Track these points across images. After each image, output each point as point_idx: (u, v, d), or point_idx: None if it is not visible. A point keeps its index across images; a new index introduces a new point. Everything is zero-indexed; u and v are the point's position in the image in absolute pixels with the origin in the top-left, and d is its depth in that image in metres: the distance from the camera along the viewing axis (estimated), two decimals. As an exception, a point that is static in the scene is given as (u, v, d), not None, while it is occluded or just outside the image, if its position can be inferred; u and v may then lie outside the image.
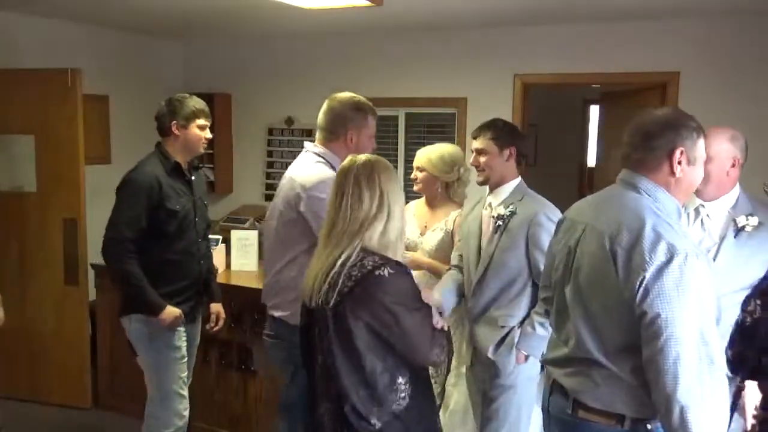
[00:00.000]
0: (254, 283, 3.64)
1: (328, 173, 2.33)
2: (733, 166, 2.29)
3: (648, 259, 1.56)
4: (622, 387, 1.67)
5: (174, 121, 2.89)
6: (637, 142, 1.72)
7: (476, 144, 2.65)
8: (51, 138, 4.09)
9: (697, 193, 2.31)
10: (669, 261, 1.55)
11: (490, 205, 2.64)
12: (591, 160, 7.25)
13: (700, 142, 1.72)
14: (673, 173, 1.69)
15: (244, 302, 3.59)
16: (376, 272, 1.69)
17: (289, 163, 4.78)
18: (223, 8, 4.10)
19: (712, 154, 2.25)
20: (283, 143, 5.44)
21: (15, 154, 4.17)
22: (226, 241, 3.96)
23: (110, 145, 5.09)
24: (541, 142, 7.02)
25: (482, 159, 2.62)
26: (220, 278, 3.78)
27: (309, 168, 2.43)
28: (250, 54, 5.45)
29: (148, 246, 2.81)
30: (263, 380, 3.60)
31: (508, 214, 2.55)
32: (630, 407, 1.67)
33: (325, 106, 2.50)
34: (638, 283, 1.57)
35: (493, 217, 2.58)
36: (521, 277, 2.53)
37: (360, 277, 1.69)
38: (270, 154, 5.49)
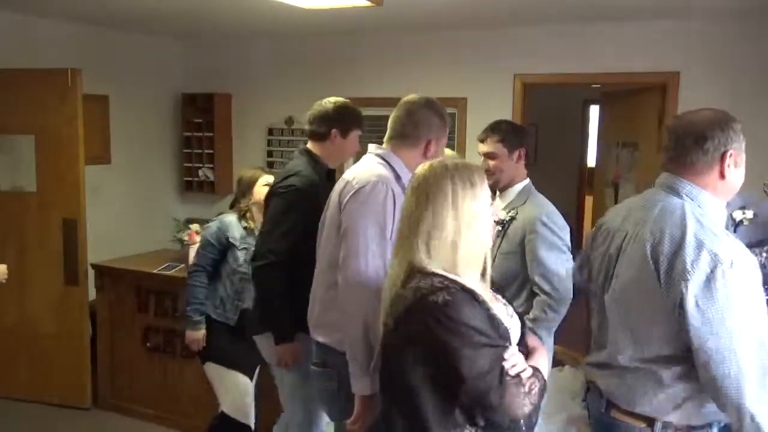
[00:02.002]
0: (254, 283, 3.64)
1: (384, 174, 2.07)
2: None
3: (690, 269, 1.54)
4: (658, 392, 1.67)
5: (336, 128, 2.62)
6: (689, 145, 1.66)
7: (484, 148, 2.59)
8: (51, 138, 4.09)
9: None
10: (713, 271, 1.53)
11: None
12: (591, 160, 7.26)
13: (744, 144, 1.72)
14: (723, 176, 1.67)
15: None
16: (430, 298, 1.42)
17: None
18: (223, 8, 4.10)
19: None
20: (283, 143, 5.44)
21: (15, 154, 4.18)
22: (226, 241, 3.95)
23: (110, 145, 5.09)
24: (541, 142, 7.02)
25: (492, 163, 2.56)
26: (220, 278, 3.78)
27: (364, 166, 2.15)
28: (250, 54, 5.45)
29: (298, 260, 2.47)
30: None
31: (508, 219, 2.54)
32: (665, 411, 1.68)
33: (399, 110, 2.17)
34: (682, 293, 1.55)
35: (495, 221, 2.58)
36: (517, 280, 2.54)
37: (412, 302, 1.45)
38: (270, 154, 5.49)
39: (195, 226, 4.03)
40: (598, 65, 4.34)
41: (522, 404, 1.44)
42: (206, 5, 4.03)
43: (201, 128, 5.49)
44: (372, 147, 2.21)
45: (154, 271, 3.87)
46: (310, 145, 2.68)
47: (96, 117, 4.75)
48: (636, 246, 1.69)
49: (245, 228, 3.12)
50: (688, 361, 1.60)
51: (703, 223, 1.61)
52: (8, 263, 4.23)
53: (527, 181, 2.63)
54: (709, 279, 1.53)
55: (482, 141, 2.60)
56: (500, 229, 2.54)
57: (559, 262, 2.47)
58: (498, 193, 2.63)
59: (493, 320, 1.46)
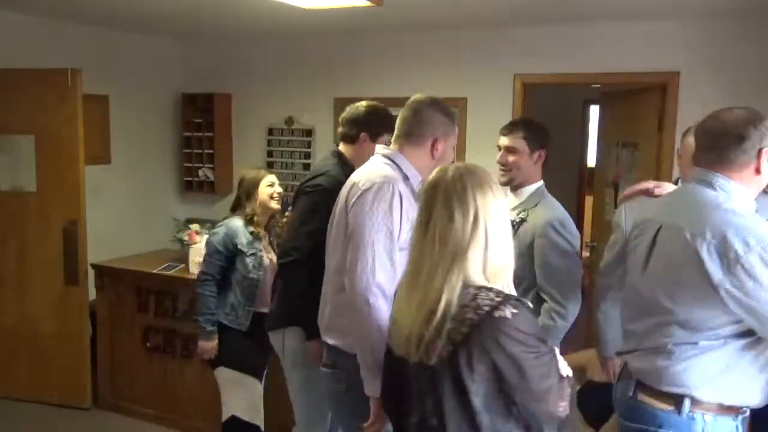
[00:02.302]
0: (254, 283, 3.64)
1: (391, 175, 2.06)
2: None
3: (742, 253, 1.64)
4: (690, 368, 1.76)
5: (365, 132, 2.60)
6: (730, 144, 1.77)
7: (506, 141, 2.52)
8: (51, 138, 4.09)
9: None
10: (764, 250, 1.64)
11: None
12: (591, 160, 7.25)
13: None
14: (759, 172, 1.78)
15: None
16: (496, 313, 1.37)
17: (289, 163, 4.79)
18: (223, 8, 4.10)
19: None
20: (283, 143, 5.43)
21: (15, 154, 4.18)
22: (226, 241, 3.95)
23: (110, 145, 5.09)
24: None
25: (511, 158, 2.50)
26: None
27: (371, 167, 2.14)
28: (250, 54, 5.45)
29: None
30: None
31: (518, 221, 2.48)
32: (695, 386, 1.76)
33: (406, 110, 2.16)
34: (739, 276, 1.65)
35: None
36: (523, 284, 2.48)
37: (478, 320, 1.37)
38: (270, 154, 5.49)
39: (195, 226, 4.04)
40: (598, 65, 4.34)
41: (564, 407, 1.48)
42: (206, 5, 4.03)
43: (201, 128, 5.49)
44: (379, 147, 2.21)
45: (154, 271, 3.87)
46: (341, 146, 2.68)
47: (96, 117, 4.75)
48: (671, 235, 1.79)
49: (252, 233, 3.08)
50: (722, 338, 1.72)
51: (737, 212, 1.72)
52: (8, 263, 4.25)
53: (541, 183, 2.57)
54: (762, 258, 1.64)
55: (505, 135, 2.54)
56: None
57: (568, 270, 2.42)
58: (510, 191, 2.57)
59: (538, 325, 1.49)
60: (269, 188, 3.13)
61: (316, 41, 5.14)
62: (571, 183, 7.46)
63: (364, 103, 2.65)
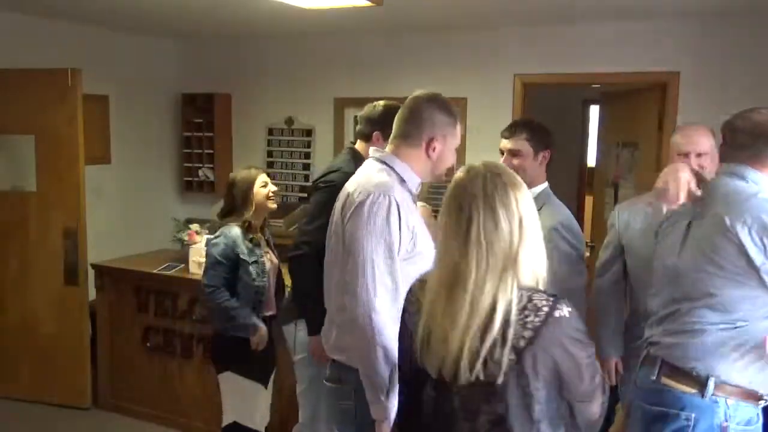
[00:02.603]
0: (254, 283, 3.64)
1: (385, 182, 1.94)
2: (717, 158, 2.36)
3: None
4: (719, 348, 1.83)
5: (378, 131, 2.57)
6: (762, 143, 1.89)
7: (508, 144, 2.47)
8: (51, 138, 4.09)
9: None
10: None
11: None
12: (591, 160, 7.25)
13: None
14: None
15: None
16: (556, 313, 1.31)
17: (289, 163, 4.74)
18: (223, 8, 4.10)
19: (707, 149, 2.35)
20: (283, 143, 5.43)
21: (15, 154, 4.18)
22: (226, 241, 3.95)
23: (110, 145, 5.09)
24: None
25: (515, 161, 2.44)
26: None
27: (364, 173, 2.03)
28: (250, 54, 5.45)
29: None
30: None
31: None
32: (721, 368, 1.82)
33: (403, 108, 2.05)
34: None
35: None
36: None
37: (540, 322, 1.30)
38: (270, 154, 5.49)
39: (195, 226, 4.04)
40: (598, 65, 4.34)
41: (604, 408, 1.46)
42: (206, 5, 4.03)
43: (201, 128, 5.49)
44: (371, 150, 2.09)
45: (154, 271, 3.87)
46: (357, 144, 2.71)
47: (96, 117, 4.75)
48: (708, 222, 1.88)
49: (251, 240, 3.00)
50: (751, 320, 1.80)
51: None
52: (8, 263, 4.25)
53: (545, 185, 2.53)
54: None
55: (507, 137, 2.49)
56: None
57: (572, 275, 2.38)
58: None
59: None
60: (263, 189, 3.02)
61: (316, 41, 5.14)
62: (571, 183, 7.46)
63: (382, 102, 2.64)
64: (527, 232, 1.37)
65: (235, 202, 3.01)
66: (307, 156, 5.32)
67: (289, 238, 4.55)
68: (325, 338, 2.14)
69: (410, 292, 1.55)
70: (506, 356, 1.30)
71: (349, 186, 2.01)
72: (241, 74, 5.50)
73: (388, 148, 2.06)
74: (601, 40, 4.32)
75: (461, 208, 1.37)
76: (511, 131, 2.50)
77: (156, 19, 4.58)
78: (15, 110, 4.11)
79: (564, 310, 1.32)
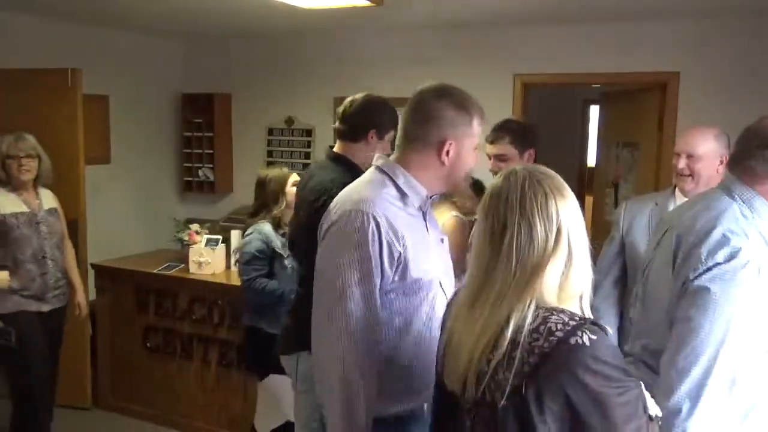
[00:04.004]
0: (254, 283, 3.64)
1: (367, 198, 1.61)
2: (721, 163, 2.35)
3: (703, 260, 1.52)
4: (653, 389, 1.61)
5: (373, 130, 2.34)
6: (752, 149, 1.64)
7: (494, 149, 2.49)
8: (51, 138, 4.08)
9: (686, 193, 2.36)
10: (726, 262, 1.49)
11: None
12: (591, 160, 7.25)
13: None
14: None
15: (244, 302, 3.59)
16: (572, 340, 1.14)
17: (289, 164, 4.66)
18: (222, 8, 4.10)
19: (701, 153, 2.32)
20: (283, 143, 5.43)
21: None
22: (226, 241, 3.95)
23: (110, 145, 5.09)
24: (541, 142, 7.01)
25: (502, 165, 2.46)
26: (220, 278, 3.79)
27: (355, 184, 1.72)
28: (250, 54, 5.45)
29: None
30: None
31: None
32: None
33: (409, 106, 1.70)
34: (686, 279, 1.53)
35: None
36: None
37: (549, 348, 1.14)
38: (270, 154, 5.49)
39: (195, 226, 4.04)
40: (598, 65, 4.34)
41: None
42: (206, 5, 4.03)
43: (201, 128, 5.49)
44: (375, 157, 1.77)
45: (154, 271, 3.87)
46: (338, 147, 2.52)
47: (96, 117, 4.75)
48: (668, 238, 1.70)
49: (282, 235, 3.04)
50: None
51: (739, 222, 1.56)
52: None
53: None
54: (715, 267, 1.50)
55: (492, 142, 2.50)
56: None
57: None
58: None
59: (621, 354, 1.22)
60: (294, 188, 3.01)
61: (316, 41, 5.14)
62: (571, 183, 7.39)
63: (360, 95, 2.48)
64: (566, 245, 1.22)
65: (267, 200, 3.11)
66: (307, 156, 5.33)
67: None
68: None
69: (448, 305, 1.44)
70: (505, 381, 1.17)
71: (334, 200, 1.71)
72: (241, 74, 5.50)
73: (394, 155, 1.73)
74: (601, 40, 4.32)
75: (496, 215, 1.25)
76: (493, 136, 2.51)
77: (156, 19, 4.58)
78: (15, 110, 4.11)
79: (584, 337, 1.13)
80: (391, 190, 1.65)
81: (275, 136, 5.46)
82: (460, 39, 4.70)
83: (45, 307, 3.28)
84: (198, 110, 5.47)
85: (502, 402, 1.18)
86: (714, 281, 1.50)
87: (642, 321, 1.81)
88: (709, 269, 1.51)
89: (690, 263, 1.55)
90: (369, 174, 1.73)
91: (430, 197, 1.72)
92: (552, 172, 1.30)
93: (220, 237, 3.95)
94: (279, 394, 3.04)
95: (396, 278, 1.60)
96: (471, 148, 1.68)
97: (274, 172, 3.14)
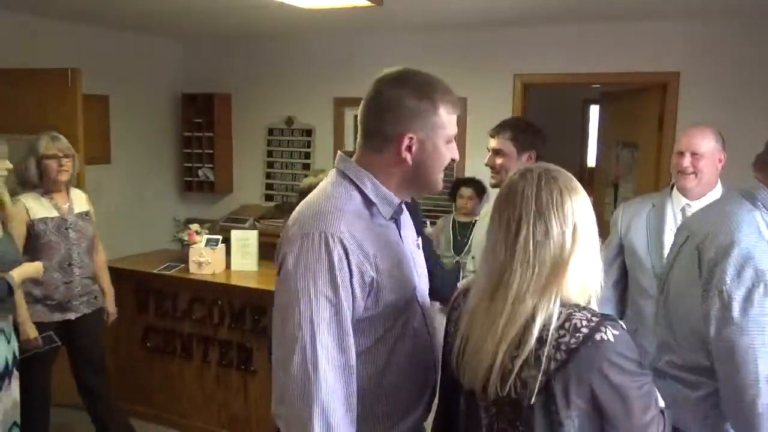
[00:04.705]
0: (254, 283, 3.64)
1: (324, 213, 1.35)
2: (720, 161, 2.37)
3: (728, 280, 1.49)
4: (688, 404, 1.61)
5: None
6: None
7: (493, 143, 2.46)
8: (51, 138, 4.09)
9: (685, 192, 2.37)
10: (754, 286, 1.47)
11: None
12: (591, 160, 7.25)
13: None
14: None
15: (244, 302, 3.59)
16: (597, 336, 1.16)
17: (289, 163, 4.62)
18: (222, 8, 4.10)
19: (704, 151, 2.33)
20: (283, 143, 5.44)
21: (15, 154, 4.17)
22: (226, 241, 3.95)
23: (110, 145, 5.09)
24: (546, 149, 7.01)
25: (498, 160, 2.44)
26: (220, 278, 3.78)
27: (314, 194, 1.46)
28: (250, 54, 5.46)
29: None
30: (263, 380, 3.59)
31: None
32: (688, 425, 1.61)
33: (367, 93, 1.44)
34: (713, 302, 1.50)
35: None
36: None
37: (575, 345, 1.16)
38: (270, 154, 5.49)
39: (195, 226, 4.03)
40: (598, 65, 4.34)
41: None
42: (206, 5, 4.03)
43: (201, 128, 5.50)
44: (337, 157, 1.49)
45: (154, 271, 3.87)
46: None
47: (96, 117, 4.75)
48: (689, 246, 1.65)
49: None
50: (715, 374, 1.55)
51: (763, 236, 1.52)
52: (8, 263, 4.24)
53: None
54: (748, 294, 1.48)
55: (493, 136, 2.48)
56: None
57: None
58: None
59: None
60: None
61: (316, 41, 5.14)
62: (571, 183, 7.48)
63: None
64: (581, 241, 1.23)
65: None
66: (307, 156, 5.33)
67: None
68: None
69: (454, 300, 1.43)
70: (532, 378, 1.18)
71: (290, 219, 1.44)
72: (241, 74, 5.50)
73: (355, 155, 1.46)
74: (601, 40, 4.32)
75: (512, 211, 1.25)
76: (496, 130, 2.48)
77: (156, 19, 4.58)
78: (15, 110, 4.11)
79: (608, 333, 1.16)
80: (357, 201, 1.40)
81: (275, 136, 5.47)
82: (461, 39, 4.70)
83: (71, 315, 3.19)
84: (198, 110, 5.48)
85: (530, 399, 1.19)
86: (741, 300, 1.48)
87: (667, 337, 1.74)
88: (734, 287, 1.49)
89: (713, 282, 1.52)
90: (330, 180, 1.46)
91: (402, 205, 1.49)
92: (566, 172, 1.30)
93: (220, 237, 3.95)
94: None
95: (370, 304, 1.36)
96: (442, 142, 1.41)
97: (323, 177, 3.04)
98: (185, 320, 3.78)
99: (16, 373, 2.81)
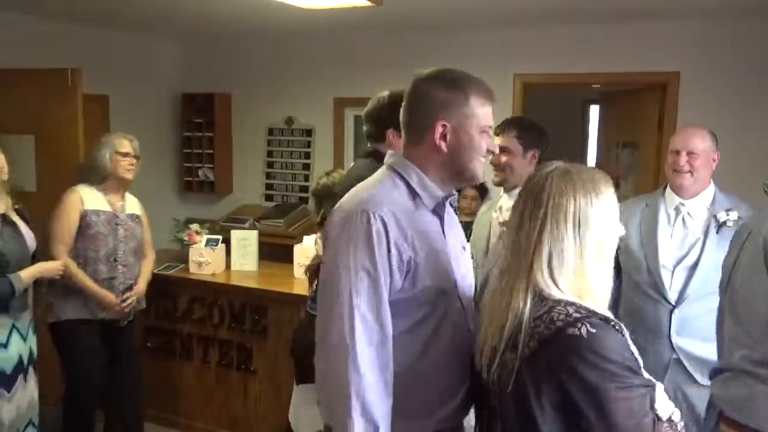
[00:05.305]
0: (254, 283, 3.65)
1: (372, 198, 1.47)
2: (714, 161, 2.40)
3: None
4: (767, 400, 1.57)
5: (391, 129, 2.20)
6: None
7: (498, 141, 2.46)
8: (51, 138, 4.09)
9: (680, 190, 2.38)
10: None
11: (500, 208, 2.55)
12: (591, 160, 7.25)
13: None
14: None
15: (244, 302, 3.59)
16: (569, 330, 1.18)
17: (289, 164, 4.58)
18: (222, 8, 4.10)
19: (699, 151, 2.35)
20: (283, 143, 5.43)
21: (15, 154, 4.17)
22: (226, 241, 3.96)
23: (110, 145, 5.08)
24: (549, 148, 7.00)
25: (503, 158, 2.45)
26: (220, 278, 3.79)
27: (362, 186, 1.57)
28: (250, 54, 5.45)
29: None
30: (263, 380, 3.60)
31: None
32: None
33: (406, 91, 1.56)
34: None
35: (500, 223, 2.52)
36: None
37: (547, 335, 1.20)
38: (270, 154, 5.49)
39: (195, 226, 4.04)
40: (598, 65, 4.34)
41: None
42: (206, 5, 4.03)
43: (201, 128, 5.50)
44: (387, 155, 1.62)
45: (155, 271, 3.86)
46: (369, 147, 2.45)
47: (96, 117, 4.75)
48: (753, 242, 1.66)
49: None
50: None
51: None
52: (8, 263, 4.24)
53: None
54: None
55: (498, 134, 2.48)
56: (504, 230, 2.52)
57: None
58: (503, 192, 2.57)
59: (633, 353, 1.23)
60: None
61: (316, 41, 5.14)
62: (571, 183, 7.47)
63: (387, 92, 2.31)
64: (590, 241, 1.25)
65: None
66: (307, 156, 5.33)
67: (289, 237, 4.57)
68: None
69: (483, 291, 1.51)
70: (508, 362, 1.24)
71: (338, 203, 1.57)
72: (241, 74, 5.50)
73: (402, 152, 1.59)
74: (601, 40, 4.32)
75: (524, 202, 1.30)
76: (501, 128, 2.50)
77: (156, 19, 4.58)
78: (15, 110, 4.11)
79: (582, 330, 1.17)
80: (403, 191, 1.51)
81: (275, 136, 5.46)
82: (461, 39, 4.70)
83: (108, 315, 3.18)
84: (198, 110, 5.48)
85: (503, 385, 1.25)
86: None
87: (737, 332, 1.71)
88: None
89: None
90: (379, 173, 1.59)
91: (447, 198, 1.57)
92: (592, 171, 1.32)
93: (220, 237, 3.95)
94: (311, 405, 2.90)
95: (406, 285, 1.45)
96: (475, 131, 1.50)
97: (335, 176, 2.90)
98: (185, 320, 3.78)
99: (32, 372, 2.81)
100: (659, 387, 1.24)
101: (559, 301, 1.23)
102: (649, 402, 1.20)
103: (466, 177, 1.56)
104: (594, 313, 1.21)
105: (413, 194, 1.51)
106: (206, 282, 3.74)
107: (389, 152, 1.62)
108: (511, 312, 1.25)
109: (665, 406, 1.23)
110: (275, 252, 4.17)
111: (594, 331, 1.18)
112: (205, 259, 3.82)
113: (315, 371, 1.51)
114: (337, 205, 1.54)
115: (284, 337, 3.39)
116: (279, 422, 3.39)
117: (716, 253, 2.21)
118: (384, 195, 1.48)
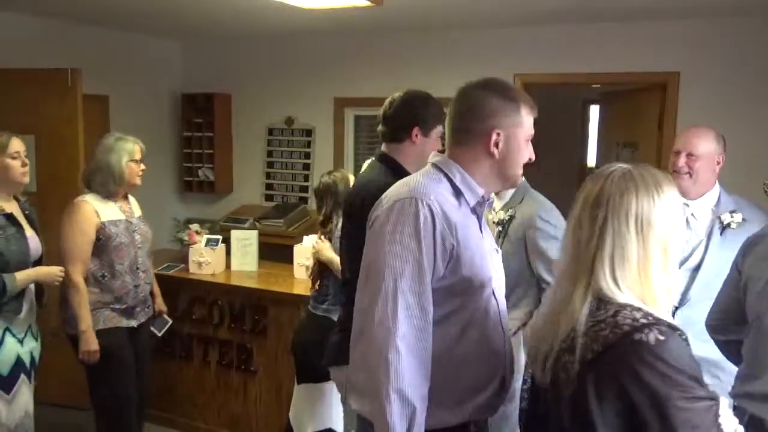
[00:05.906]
0: (254, 284, 3.65)
1: (424, 187, 1.53)
2: (718, 164, 2.36)
3: None
4: None
5: (416, 127, 2.18)
6: None
7: None
8: (51, 138, 4.09)
9: (683, 191, 2.37)
10: None
11: (493, 208, 2.57)
12: (591, 160, 7.25)
13: None
14: None
15: (244, 302, 3.59)
16: (636, 335, 1.14)
17: (289, 164, 4.58)
18: (223, 8, 4.10)
19: (701, 152, 2.33)
20: (283, 143, 5.43)
21: (15, 154, 4.17)
22: (226, 241, 3.96)
23: (110, 145, 5.08)
24: (540, 141, 6.98)
25: None
26: (220, 278, 3.79)
27: (410, 178, 1.64)
28: (250, 54, 5.46)
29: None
30: (263, 380, 3.60)
31: (507, 219, 2.51)
32: None
33: (453, 102, 1.63)
34: None
35: (494, 222, 2.55)
36: (523, 279, 2.51)
37: (613, 340, 1.16)
38: (270, 154, 5.49)
39: (195, 226, 4.04)
40: (598, 65, 4.34)
41: None
42: (206, 5, 4.03)
43: (201, 128, 5.49)
44: (431, 155, 1.69)
45: (155, 271, 3.86)
46: (383, 147, 2.38)
47: (96, 117, 4.75)
48: None
49: None
50: None
51: None
52: (8, 263, 4.24)
53: (522, 179, 2.60)
54: None
55: None
56: (500, 229, 2.53)
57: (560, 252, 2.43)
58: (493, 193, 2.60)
59: (698, 364, 1.18)
60: None
61: (316, 41, 5.14)
62: (571, 183, 7.45)
63: (398, 94, 2.30)
64: (653, 244, 1.22)
65: (337, 205, 2.88)
66: (307, 156, 5.33)
67: (289, 237, 4.57)
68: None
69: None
70: (567, 365, 1.21)
71: (385, 193, 1.63)
72: (241, 74, 5.50)
73: (445, 154, 1.66)
74: (601, 40, 4.32)
75: (582, 204, 1.28)
76: None
77: (156, 19, 4.58)
78: (15, 110, 4.11)
79: (650, 336, 1.13)
80: (446, 187, 1.56)
81: (275, 136, 5.46)
82: (460, 39, 4.70)
83: (134, 323, 3.10)
84: (198, 110, 5.47)
85: (564, 390, 1.21)
86: None
87: (763, 355, 1.68)
88: None
89: None
90: (424, 170, 1.63)
91: (486, 200, 1.62)
92: (653, 170, 1.32)
93: (220, 237, 3.95)
94: (326, 400, 2.88)
95: (447, 273, 1.49)
96: (523, 140, 1.58)
97: (342, 174, 2.94)
98: (185, 320, 3.78)
99: (27, 380, 2.75)
100: (723, 402, 1.19)
101: (624, 306, 1.19)
102: (714, 416, 1.16)
103: (510, 182, 1.65)
104: (661, 321, 1.17)
105: (456, 191, 1.56)
106: (206, 282, 3.74)
107: (433, 152, 1.70)
108: (569, 314, 1.22)
109: (730, 422, 1.18)
110: (275, 252, 4.17)
111: (663, 338, 1.14)
112: (205, 259, 3.82)
113: (350, 359, 1.56)
114: (385, 194, 1.60)
115: (284, 337, 3.40)
116: (279, 422, 3.39)
117: (719, 256, 2.20)
118: (431, 186, 1.53)
